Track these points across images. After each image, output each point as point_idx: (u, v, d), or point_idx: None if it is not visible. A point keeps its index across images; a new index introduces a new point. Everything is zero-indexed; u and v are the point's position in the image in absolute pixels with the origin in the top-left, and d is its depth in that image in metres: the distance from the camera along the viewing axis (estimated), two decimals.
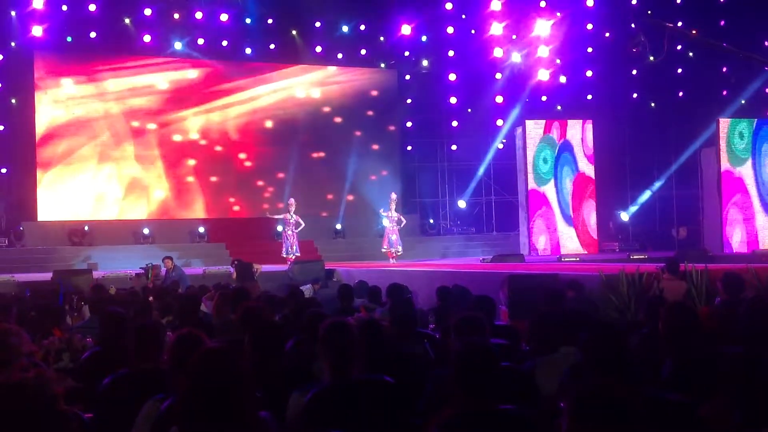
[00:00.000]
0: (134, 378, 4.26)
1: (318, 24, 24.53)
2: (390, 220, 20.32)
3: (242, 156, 24.46)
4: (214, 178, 23.99)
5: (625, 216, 25.35)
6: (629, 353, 3.41)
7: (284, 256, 19.78)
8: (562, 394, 3.69)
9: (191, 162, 23.84)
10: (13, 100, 22.33)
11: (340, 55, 25.18)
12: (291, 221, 20.00)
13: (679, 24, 21.69)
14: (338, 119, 25.28)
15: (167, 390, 3.80)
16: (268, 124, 24.71)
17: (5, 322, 5.39)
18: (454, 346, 3.46)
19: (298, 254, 19.89)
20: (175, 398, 3.42)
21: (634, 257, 17.68)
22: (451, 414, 3.11)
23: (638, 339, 5.02)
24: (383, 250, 20.35)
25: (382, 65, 26.22)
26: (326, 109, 25.26)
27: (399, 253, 20.36)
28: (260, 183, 24.49)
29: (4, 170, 22.13)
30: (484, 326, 4.44)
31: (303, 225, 20.11)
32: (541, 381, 4.27)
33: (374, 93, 25.83)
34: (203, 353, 2.88)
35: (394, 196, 20.97)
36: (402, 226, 20.52)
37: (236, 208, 24.32)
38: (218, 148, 24.17)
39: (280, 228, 23.50)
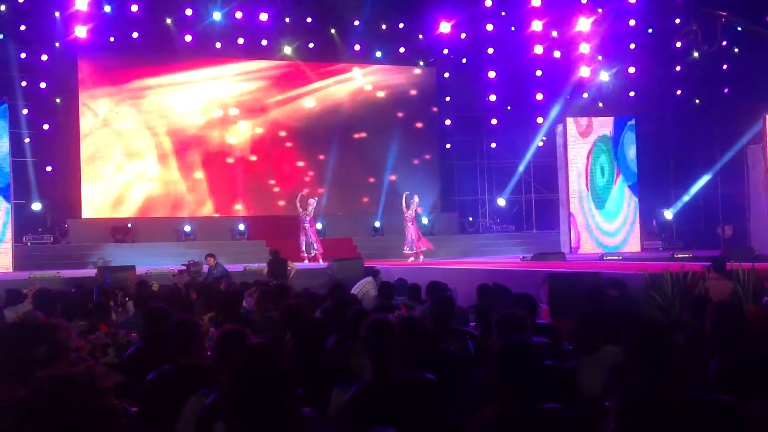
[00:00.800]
0: (178, 373, 4.30)
1: (357, 23, 24.57)
2: (409, 219, 20.39)
3: (282, 152, 24.62)
4: (253, 172, 24.20)
5: (668, 214, 24.97)
6: (675, 352, 3.36)
7: (305, 255, 19.82)
8: (606, 393, 3.65)
9: (231, 159, 24.07)
10: (58, 100, 22.72)
11: (378, 54, 25.22)
12: (308, 218, 20.09)
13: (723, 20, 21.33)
14: (378, 115, 25.28)
15: (210, 385, 3.84)
16: (306, 121, 24.85)
17: (52, 317, 5.50)
18: (496, 344, 3.44)
19: (320, 251, 19.94)
20: (220, 393, 3.46)
21: (678, 256, 17.42)
22: (493, 413, 3.10)
23: (684, 338, 4.95)
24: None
25: (421, 63, 26.20)
26: (365, 105, 25.31)
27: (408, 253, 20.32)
28: (309, 175, 24.66)
29: (49, 168, 22.51)
30: (526, 324, 4.41)
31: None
32: (583, 380, 4.23)
33: (412, 91, 25.82)
34: (247, 349, 2.90)
35: (416, 199, 20.87)
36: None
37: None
38: (259, 144, 24.37)
39: (319, 226, 23.66)
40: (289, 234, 22.69)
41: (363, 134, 25.16)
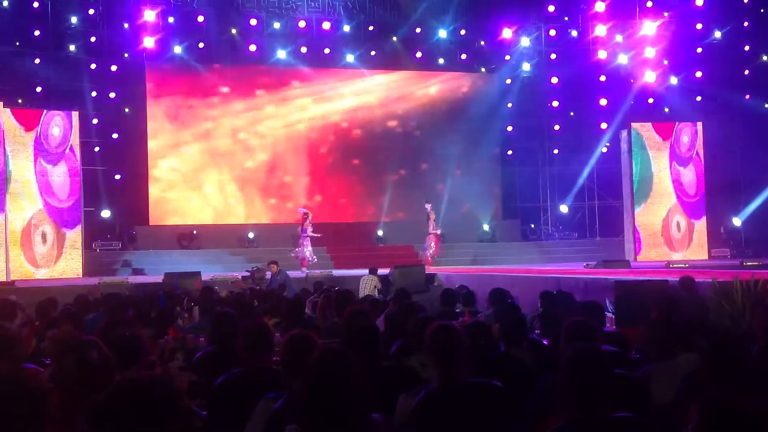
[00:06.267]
0: (247, 377, 4.36)
1: (418, 30, 24.64)
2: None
3: (346, 159, 24.74)
4: (315, 178, 24.44)
5: (737, 221, 24.36)
6: (751, 362, 3.26)
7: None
8: (679, 402, 3.58)
9: (295, 165, 24.31)
10: (126, 109, 23.27)
11: (441, 60, 25.21)
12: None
13: None
14: (439, 122, 25.20)
15: (279, 389, 3.88)
16: (366, 129, 24.98)
17: (125, 322, 5.63)
18: (566, 352, 3.40)
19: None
20: (291, 397, 3.50)
21: (748, 263, 16.93)
22: (563, 422, 3.05)
23: (756, 348, 4.82)
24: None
25: (483, 70, 26.08)
26: (426, 112, 25.29)
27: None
28: (372, 180, 24.83)
29: (117, 177, 23.05)
30: (595, 332, 4.35)
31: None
32: (656, 389, 4.14)
33: (474, 97, 25.65)
34: (324, 353, 2.93)
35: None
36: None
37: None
38: (321, 151, 24.58)
39: (381, 233, 23.74)
40: (350, 240, 22.90)
41: (424, 141, 25.12)
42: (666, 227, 21.87)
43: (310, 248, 19.76)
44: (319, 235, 20.01)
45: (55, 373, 3.55)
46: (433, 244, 20.92)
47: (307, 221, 19.88)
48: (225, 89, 23.81)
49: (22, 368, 4.02)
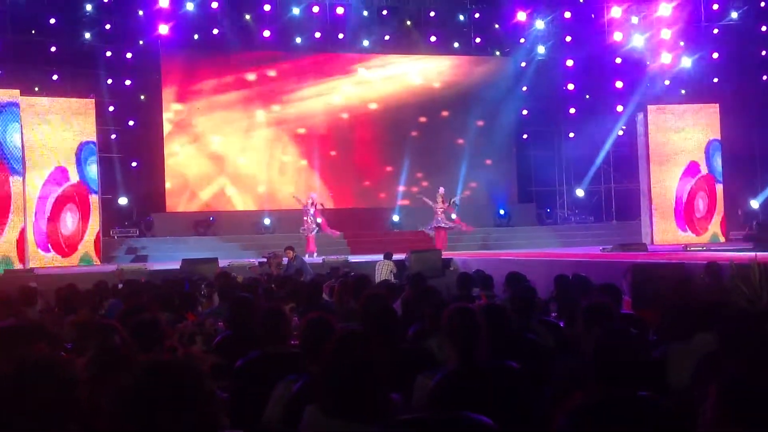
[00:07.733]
0: (266, 360, 4.40)
1: (432, 14, 24.57)
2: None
3: (361, 145, 24.75)
4: (330, 164, 24.47)
5: (754, 203, 24.20)
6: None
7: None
8: (696, 382, 3.59)
9: (309, 152, 24.32)
10: (142, 96, 23.35)
11: (456, 44, 25.12)
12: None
13: None
14: (453, 105, 25.17)
15: (298, 371, 3.92)
16: (380, 115, 24.94)
17: (142, 307, 5.68)
18: (582, 334, 3.41)
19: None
20: (311, 378, 3.53)
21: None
22: (584, 401, 3.06)
23: None
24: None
25: (497, 53, 25.97)
26: (441, 96, 25.24)
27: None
28: (387, 169, 24.91)
29: (134, 164, 23.16)
30: (613, 314, 4.35)
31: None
32: (673, 369, 4.15)
33: (489, 81, 25.52)
34: (344, 336, 2.97)
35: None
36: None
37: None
38: (336, 136, 24.60)
39: (396, 218, 23.75)
40: (366, 226, 22.93)
41: (439, 126, 25.07)
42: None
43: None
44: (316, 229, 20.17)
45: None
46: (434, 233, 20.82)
47: (308, 206, 20.06)
48: (240, 75, 23.83)
49: (57, 355, 4.07)
